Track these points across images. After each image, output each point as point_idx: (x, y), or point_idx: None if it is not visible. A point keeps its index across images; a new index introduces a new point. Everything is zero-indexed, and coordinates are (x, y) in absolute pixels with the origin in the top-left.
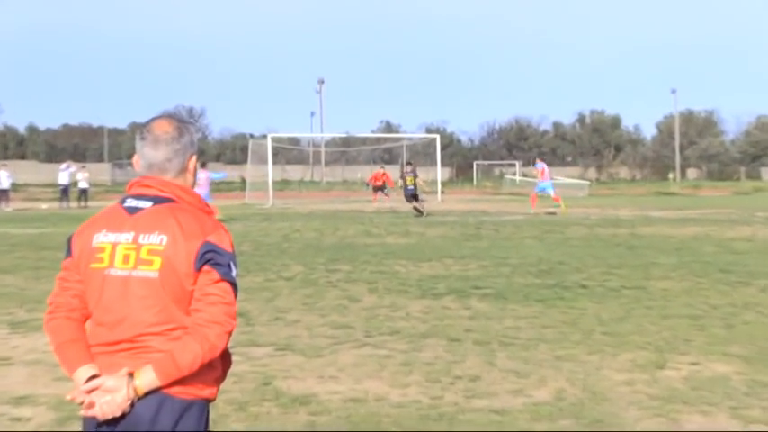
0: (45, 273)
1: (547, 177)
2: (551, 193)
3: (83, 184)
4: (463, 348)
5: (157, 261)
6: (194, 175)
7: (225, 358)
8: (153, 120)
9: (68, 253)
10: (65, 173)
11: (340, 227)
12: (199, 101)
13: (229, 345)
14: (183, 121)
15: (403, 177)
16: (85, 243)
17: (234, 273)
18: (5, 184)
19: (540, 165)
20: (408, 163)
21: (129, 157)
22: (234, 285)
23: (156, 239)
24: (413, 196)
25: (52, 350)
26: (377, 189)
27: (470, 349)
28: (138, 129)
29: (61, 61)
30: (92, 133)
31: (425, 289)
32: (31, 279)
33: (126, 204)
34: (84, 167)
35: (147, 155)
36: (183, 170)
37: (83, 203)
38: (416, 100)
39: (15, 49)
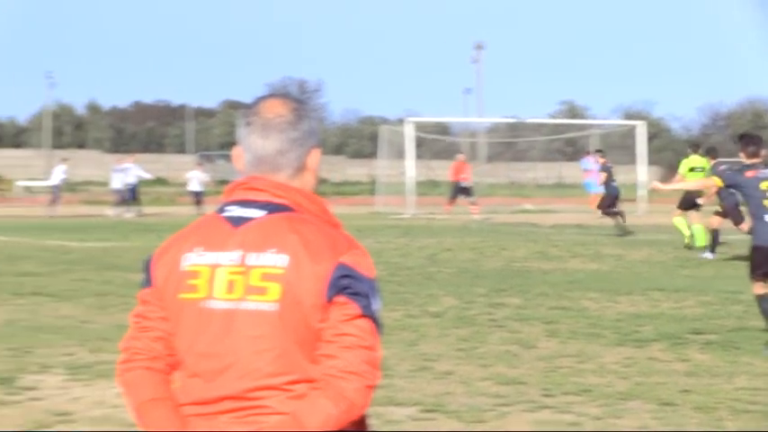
0: (112, 301)
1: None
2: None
3: (195, 185)
4: (678, 416)
5: (275, 289)
6: (316, 175)
7: (358, 426)
8: (261, 100)
9: (148, 281)
10: (120, 174)
11: (506, 245)
12: (313, 72)
13: None
14: (301, 102)
15: None
16: (172, 266)
17: (376, 306)
18: (56, 180)
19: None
20: None
21: (222, 146)
22: (377, 323)
23: (273, 260)
24: None
25: (130, 410)
26: (459, 192)
27: (688, 417)
28: (243, 112)
29: (130, 22)
30: (171, 114)
31: (625, 333)
32: (95, 309)
33: (227, 213)
34: (200, 165)
35: (253, 145)
36: (302, 168)
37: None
38: (610, 74)
39: (73, 8)
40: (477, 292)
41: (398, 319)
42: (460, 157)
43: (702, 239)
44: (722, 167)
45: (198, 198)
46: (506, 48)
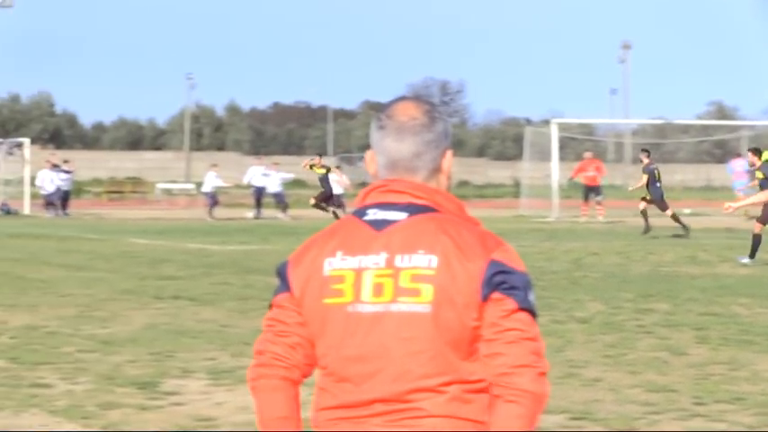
0: (253, 305)
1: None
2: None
3: (337, 188)
4: None
5: (427, 290)
6: (449, 176)
7: None
8: (394, 102)
9: (285, 286)
10: (273, 177)
11: (653, 249)
12: (455, 73)
13: None
14: (433, 104)
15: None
16: (312, 271)
17: (531, 298)
18: (209, 187)
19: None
20: (319, 154)
21: (362, 148)
22: (534, 314)
23: (422, 261)
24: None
25: (257, 416)
26: (590, 191)
27: None
28: (375, 115)
29: (269, 23)
30: (311, 116)
31: None
32: (236, 313)
33: (368, 217)
34: (338, 168)
35: (388, 148)
36: (436, 170)
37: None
38: (761, 74)
39: (212, 9)
40: (624, 298)
41: (544, 325)
42: (587, 154)
43: None
44: None
45: (338, 200)
46: (654, 47)
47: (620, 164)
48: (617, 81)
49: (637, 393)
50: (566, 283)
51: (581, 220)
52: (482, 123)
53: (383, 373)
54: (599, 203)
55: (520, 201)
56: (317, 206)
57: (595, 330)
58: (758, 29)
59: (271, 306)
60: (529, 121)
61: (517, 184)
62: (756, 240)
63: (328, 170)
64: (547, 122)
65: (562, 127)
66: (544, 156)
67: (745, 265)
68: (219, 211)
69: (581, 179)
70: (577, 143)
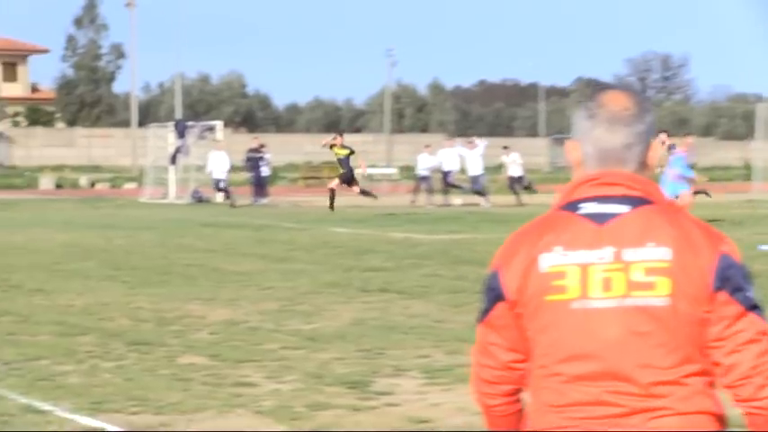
0: (466, 298)
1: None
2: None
3: (515, 170)
4: None
5: (664, 283)
6: (654, 169)
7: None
8: (604, 91)
9: (495, 296)
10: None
11: None
12: (678, 46)
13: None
14: (642, 94)
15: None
16: (526, 269)
17: (752, 292)
18: (424, 170)
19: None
20: (339, 133)
21: None
22: (759, 307)
23: (656, 254)
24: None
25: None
26: None
27: None
28: (583, 104)
29: None
30: (520, 94)
31: None
32: (448, 307)
33: (585, 211)
34: (506, 149)
35: (599, 139)
36: (644, 162)
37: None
38: None
39: None
40: None
41: None
42: None
43: None
44: None
45: (512, 184)
46: None
47: None
48: None
49: None
50: None
51: None
52: (708, 100)
53: (622, 369)
54: None
55: (751, 184)
56: (362, 193)
57: None
58: None
59: (480, 321)
60: (760, 98)
61: (748, 167)
62: None
63: (351, 152)
64: None
65: None
66: None
67: None
68: (424, 198)
69: None
70: None
